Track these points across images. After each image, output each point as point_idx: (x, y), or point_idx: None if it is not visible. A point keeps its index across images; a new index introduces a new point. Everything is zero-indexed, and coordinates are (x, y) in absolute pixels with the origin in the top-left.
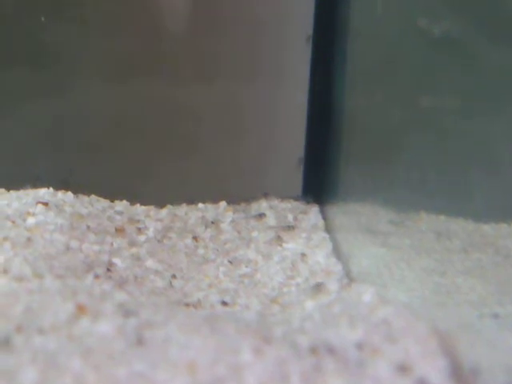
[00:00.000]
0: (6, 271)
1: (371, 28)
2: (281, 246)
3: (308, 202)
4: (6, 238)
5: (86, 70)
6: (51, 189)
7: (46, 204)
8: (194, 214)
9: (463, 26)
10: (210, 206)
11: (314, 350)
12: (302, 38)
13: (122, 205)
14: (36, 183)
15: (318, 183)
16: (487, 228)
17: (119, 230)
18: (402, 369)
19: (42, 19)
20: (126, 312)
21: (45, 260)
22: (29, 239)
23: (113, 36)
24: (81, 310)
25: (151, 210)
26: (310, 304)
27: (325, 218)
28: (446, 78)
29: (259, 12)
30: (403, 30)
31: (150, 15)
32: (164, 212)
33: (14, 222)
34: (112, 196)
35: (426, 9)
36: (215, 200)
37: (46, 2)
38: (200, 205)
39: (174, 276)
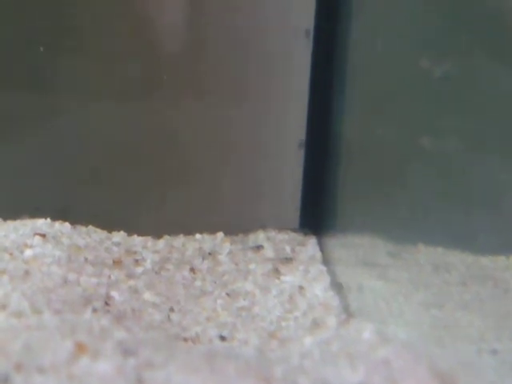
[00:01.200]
0: (4, 306)
1: (373, 62)
2: (278, 278)
3: (305, 234)
4: (3, 271)
5: (85, 100)
6: (49, 219)
7: (43, 235)
8: (191, 244)
9: (466, 66)
10: (207, 236)
11: None
12: (302, 66)
13: (119, 236)
14: (34, 213)
15: (316, 214)
16: (486, 261)
17: (117, 262)
18: None
19: (41, 49)
20: (126, 351)
21: (43, 294)
22: (27, 272)
23: (108, 66)
24: (80, 348)
25: (148, 240)
26: (308, 340)
27: (322, 249)
28: (447, 116)
29: (253, 40)
30: (406, 66)
31: (146, 40)
32: (161, 243)
33: (11, 254)
34: (109, 226)
35: (428, 47)
36: (212, 231)
37: (45, 32)
38: (197, 235)
39: (171, 309)
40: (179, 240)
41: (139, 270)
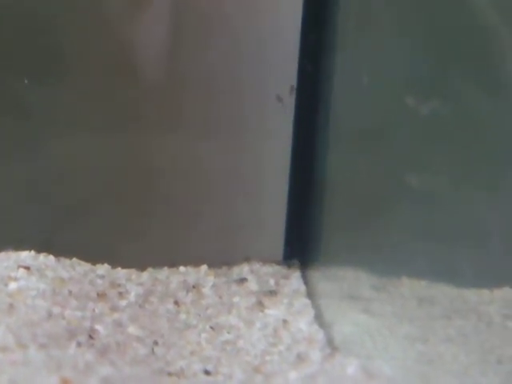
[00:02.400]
0: None
1: (357, 99)
2: (262, 311)
3: (290, 266)
4: None
5: (67, 130)
6: (33, 252)
7: (27, 268)
8: (175, 277)
9: (452, 104)
10: (191, 269)
11: None
12: (285, 97)
13: (103, 268)
14: (18, 245)
15: (300, 247)
16: (469, 294)
17: (101, 295)
18: None
19: (26, 81)
20: None
21: (28, 328)
22: (11, 305)
23: (93, 94)
24: None
25: (133, 273)
26: (293, 374)
27: (306, 282)
28: (432, 153)
29: (242, 71)
30: (392, 104)
31: (133, 70)
32: (145, 275)
33: None
34: (93, 258)
35: (414, 85)
36: (196, 263)
37: (30, 64)
38: (181, 268)
39: (155, 343)
40: (163, 272)
41: (123, 302)
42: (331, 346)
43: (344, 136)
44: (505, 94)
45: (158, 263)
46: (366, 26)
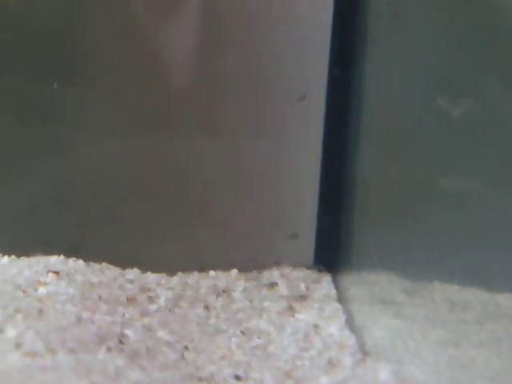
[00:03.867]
0: (18, 346)
1: (389, 101)
2: (293, 316)
3: (320, 271)
4: (17, 310)
5: (98, 136)
6: (62, 256)
7: (57, 273)
8: (205, 282)
9: (484, 106)
10: (221, 273)
11: None
12: (315, 102)
13: (133, 273)
14: (47, 250)
15: (331, 251)
16: (501, 298)
17: (131, 300)
18: None
19: (55, 85)
20: None
21: (57, 333)
22: (40, 310)
23: (119, 98)
24: None
25: (162, 278)
26: (324, 380)
27: (337, 287)
28: (464, 154)
29: (265, 66)
30: (423, 106)
31: (156, 73)
32: (175, 280)
33: (25, 291)
34: (123, 263)
35: (445, 88)
36: (226, 267)
37: (58, 68)
38: (211, 272)
39: (186, 348)
40: (193, 277)
41: (153, 307)
42: (363, 350)
43: (376, 138)
44: None
45: (187, 268)
46: (397, 25)
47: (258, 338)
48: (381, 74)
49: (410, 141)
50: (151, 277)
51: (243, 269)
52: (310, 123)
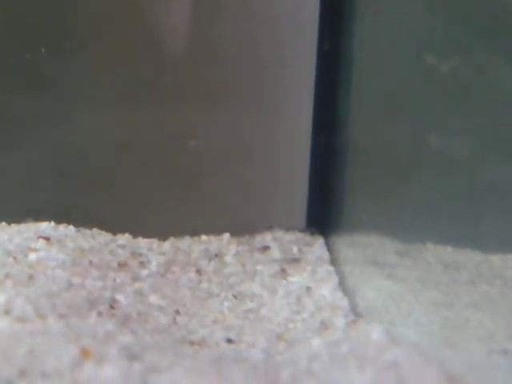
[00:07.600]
0: (7, 312)
1: (378, 61)
2: (286, 279)
3: (312, 234)
4: (7, 276)
5: (88, 103)
6: (53, 222)
7: (47, 239)
8: (197, 246)
9: (473, 62)
10: (213, 238)
11: None
12: (306, 67)
13: (124, 238)
14: (37, 217)
15: (323, 214)
16: (495, 259)
17: (122, 265)
18: None
19: (43, 50)
20: (131, 355)
21: (47, 298)
22: (30, 276)
23: (114, 68)
24: (85, 353)
25: (154, 242)
26: (316, 342)
27: (330, 249)
28: (454, 114)
29: (262, 41)
30: (411, 64)
31: (153, 44)
32: (167, 245)
33: (15, 257)
34: (114, 229)
35: (433, 45)
36: (218, 232)
37: (46, 34)
38: (203, 237)
39: (177, 312)
40: (185, 242)
41: (145, 272)
42: (355, 312)
43: (365, 100)
44: None
45: (179, 232)
46: None
47: (251, 301)
48: (369, 36)
49: (398, 102)
50: (143, 242)
51: (235, 233)
52: (301, 88)
